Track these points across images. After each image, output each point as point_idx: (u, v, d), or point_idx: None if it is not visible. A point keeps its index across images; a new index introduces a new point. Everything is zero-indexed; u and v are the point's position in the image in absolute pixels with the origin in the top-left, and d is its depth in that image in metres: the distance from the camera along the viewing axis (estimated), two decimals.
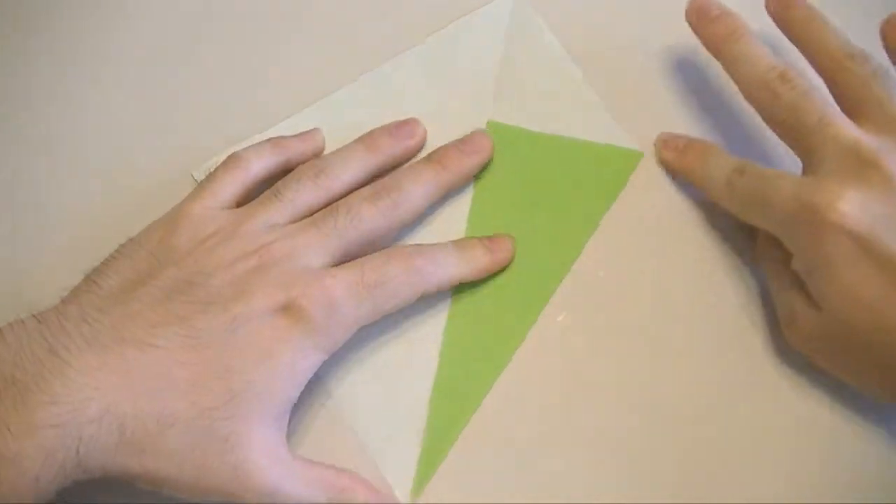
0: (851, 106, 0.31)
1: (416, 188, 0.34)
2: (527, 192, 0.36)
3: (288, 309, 0.29)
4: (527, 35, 0.39)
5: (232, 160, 0.33)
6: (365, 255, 0.32)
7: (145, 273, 0.30)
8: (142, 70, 0.39)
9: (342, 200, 0.33)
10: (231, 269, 0.30)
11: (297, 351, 0.29)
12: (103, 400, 0.27)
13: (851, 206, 0.28)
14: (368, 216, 0.32)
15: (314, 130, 0.36)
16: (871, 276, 0.28)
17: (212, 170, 0.33)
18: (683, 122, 0.38)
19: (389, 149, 0.35)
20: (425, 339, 0.34)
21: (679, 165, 0.36)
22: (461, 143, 0.36)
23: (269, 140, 0.35)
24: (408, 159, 0.36)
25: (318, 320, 0.29)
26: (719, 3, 0.35)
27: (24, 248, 0.35)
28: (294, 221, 0.32)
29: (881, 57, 0.33)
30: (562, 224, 0.36)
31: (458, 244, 0.34)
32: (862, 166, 0.29)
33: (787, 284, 0.32)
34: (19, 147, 0.37)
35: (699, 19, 0.35)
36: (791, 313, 0.31)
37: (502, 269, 0.35)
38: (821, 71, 0.33)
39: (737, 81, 0.34)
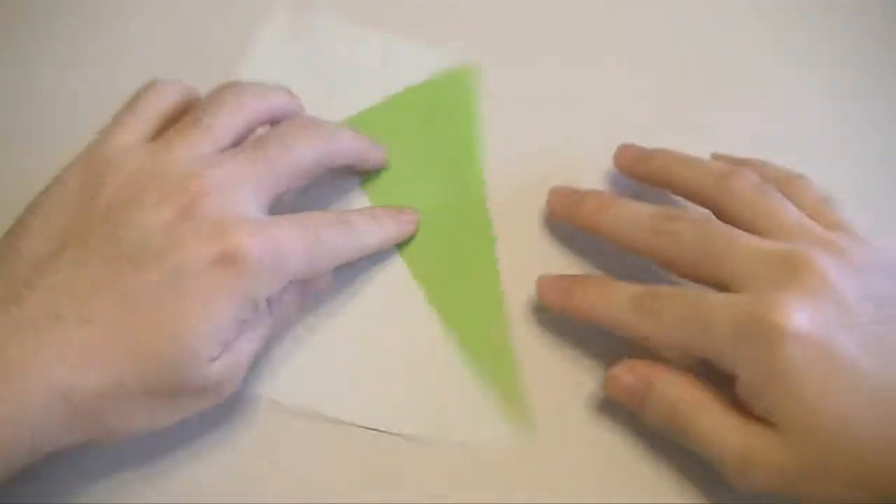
0: (746, 227, 0.30)
1: (342, 133, 0.34)
2: (407, 160, 0.37)
3: (230, 257, 0.27)
4: (314, 34, 0.40)
5: (149, 86, 0.32)
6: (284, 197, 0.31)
7: (69, 230, 0.28)
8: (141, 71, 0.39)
9: (271, 129, 0.32)
10: (158, 214, 0.28)
11: (240, 301, 0.28)
12: (46, 385, 0.26)
13: (803, 313, 0.27)
14: (299, 145, 0.31)
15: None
16: (836, 382, 0.27)
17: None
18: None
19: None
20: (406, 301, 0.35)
21: (571, 306, 0.32)
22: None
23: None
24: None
25: (262, 270, 0.28)
26: (577, 188, 0.34)
27: None
28: (219, 151, 0.30)
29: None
30: (450, 165, 0.37)
31: (367, 213, 0.34)
32: (794, 272, 0.28)
33: (732, 425, 0.28)
34: (17, 147, 0.37)
35: (564, 207, 0.34)
36: (746, 455, 0.28)
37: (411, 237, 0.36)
38: (704, 204, 0.32)
39: (629, 244, 0.32)
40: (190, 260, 0.27)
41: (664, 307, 0.30)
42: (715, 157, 0.35)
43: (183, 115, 0.32)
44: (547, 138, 0.38)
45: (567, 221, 0.34)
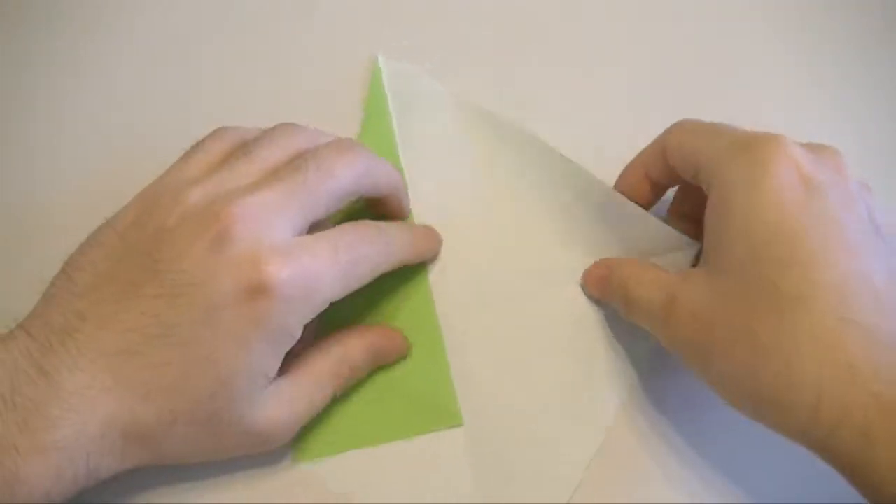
0: None
1: (382, 161, 0.33)
2: None
3: (260, 289, 0.27)
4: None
5: (214, 132, 0.32)
6: (323, 221, 0.31)
7: (117, 264, 0.29)
8: (141, 71, 0.39)
9: (309, 153, 0.31)
10: (192, 246, 0.28)
11: (275, 334, 0.28)
12: (101, 416, 0.27)
13: (804, 154, 0.29)
14: (339, 171, 0.30)
15: None
16: (808, 214, 0.27)
17: None
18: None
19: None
20: None
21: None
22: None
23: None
24: None
25: (294, 300, 0.28)
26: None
27: (26, 250, 0.35)
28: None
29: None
30: None
31: (405, 226, 0.34)
32: (768, 138, 0.29)
33: (662, 280, 0.31)
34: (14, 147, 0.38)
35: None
36: (669, 300, 0.30)
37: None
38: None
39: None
40: (221, 294, 0.27)
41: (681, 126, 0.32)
42: None
43: None
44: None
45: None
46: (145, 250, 0.28)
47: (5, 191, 0.37)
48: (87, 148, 0.38)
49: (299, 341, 0.29)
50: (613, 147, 0.35)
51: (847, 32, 0.33)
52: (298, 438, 0.32)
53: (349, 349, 0.32)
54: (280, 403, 0.30)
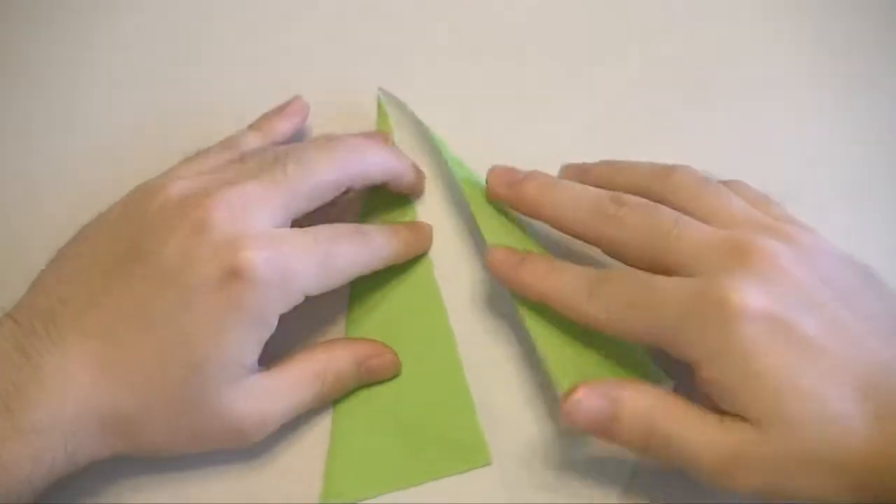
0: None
1: (370, 152, 0.33)
2: None
3: (237, 274, 0.28)
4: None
5: (221, 143, 0.34)
6: (302, 219, 0.31)
7: (103, 252, 0.30)
8: (141, 71, 0.40)
9: (290, 147, 0.32)
10: (174, 233, 0.29)
11: (250, 320, 0.28)
12: (78, 399, 0.27)
13: (756, 292, 0.26)
14: (319, 166, 0.31)
15: (295, 100, 0.37)
16: (798, 361, 0.26)
17: None
18: None
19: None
20: None
21: (519, 281, 0.32)
22: None
23: (254, 126, 0.36)
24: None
25: (271, 286, 0.28)
26: (518, 168, 0.33)
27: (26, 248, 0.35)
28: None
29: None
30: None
31: (385, 226, 0.34)
32: (744, 257, 0.27)
33: (711, 427, 0.27)
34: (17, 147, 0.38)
35: (505, 188, 0.33)
36: (732, 455, 0.26)
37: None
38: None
39: (571, 227, 0.31)
40: (199, 277, 0.28)
41: (612, 289, 0.29)
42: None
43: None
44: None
45: (507, 203, 0.33)
46: (129, 238, 0.29)
47: (6, 190, 0.37)
48: (83, 145, 0.38)
49: None
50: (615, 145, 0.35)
51: (846, 33, 0.32)
52: (324, 482, 0.32)
53: (335, 355, 0.32)
54: (258, 396, 0.30)
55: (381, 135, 0.37)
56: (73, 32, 0.41)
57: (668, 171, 0.31)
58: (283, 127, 0.36)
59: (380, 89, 0.39)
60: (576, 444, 0.32)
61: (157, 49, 0.40)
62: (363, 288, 0.34)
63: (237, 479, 0.31)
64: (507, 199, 0.33)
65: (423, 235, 0.35)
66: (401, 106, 0.38)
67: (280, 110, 0.37)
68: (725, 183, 0.32)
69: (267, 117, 0.36)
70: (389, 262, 0.33)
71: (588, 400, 0.28)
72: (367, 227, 0.33)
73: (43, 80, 0.40)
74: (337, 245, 0.30)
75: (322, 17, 0.41)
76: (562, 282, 0.30)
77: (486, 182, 0.34)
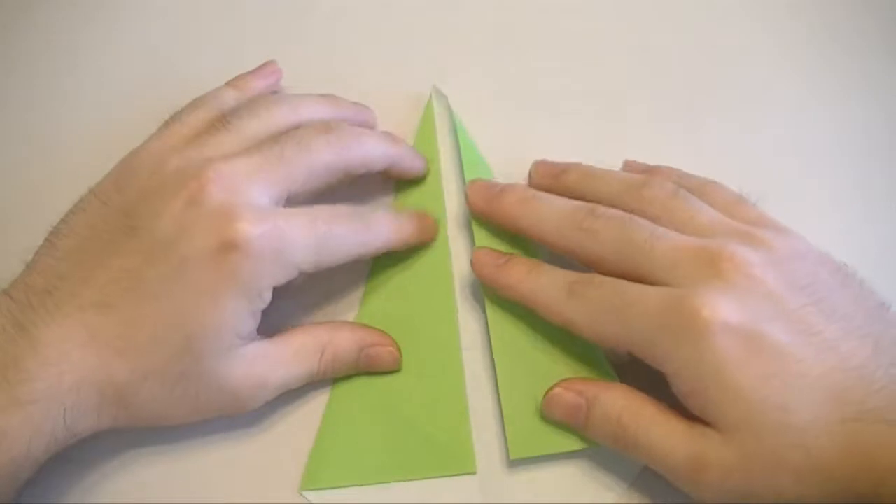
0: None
1: (369, 138, 0.33)
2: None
3: (232, 245, 0.28)
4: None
5: (197, 98, 0.34)
6: (300, 199, 0.31)
7: (98, 227, 0.30)
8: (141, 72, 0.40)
9: (291, 131, 0.32)
10: (169, 204, 0.29)
11: (244, 291, 0.29)
12: (75, 369, 0.28)
13: (727, 304, 0.27)
14: (316, 147, 0.31)
15: (269, 64, 0.37)
16: (769, 370, 0.26)
17: None
18: None
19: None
20: None
21: (502, 282, 0.32)
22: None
23: (230, 84, 0.36)
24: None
25: (265, 258, 0.28)
26: (496, 181, 0.35)
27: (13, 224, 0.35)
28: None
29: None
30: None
31: (386, 212, 0.34)
32: (716, 267, 0.28)
33: (678, 431, 0.28)
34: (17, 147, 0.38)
35: (484, 201, 0.33)
36: (695, 460, 0.27)
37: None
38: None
39: (548, 239, 0.32)
40: (194, 248, 0.28)
41: (591, 295, 0.30)
42: (628, 165, 0.36)
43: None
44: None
45: (487, 216, 0.34)
46: (124, 211, 0.30)
47: (6, 190, 0.37)
48: (75, 120, 0.38)
49: None
50: (612, 146, 0.35)
51: (845, 33, 0.33)
52: (308, 465, 0.32)
53: (338, 335, 0.32)
54: (256, 362, 0.30)
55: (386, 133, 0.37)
56: (69, 22, 0.41)
57: (641, 184, 0.32)
58: (259, 85, 0.36)
59: (434, 87, 0.39)
60: (561, 459, 0.32)
61: (156, 38, 0.41)
62: (380, 280, 0.35)
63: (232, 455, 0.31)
64: (486, 213, 0.34)
65: (425, 224, 0.35)
66: (448, 107, 0.38)
67: (256, 71, 0.37)
68: (701, 186, 0.32)
69: (242, 77, 0.36)
70: (389, 248, 0.33)
71: (565, 394, 0.30)
72: (368, 211, 0.33)
73: (38, 68, 0.40)
74: (334, 225, 0.31)
75: (318, 20, 0.42)
76: (541, 284, 0.31)
77: (466, 197, 0.34)
